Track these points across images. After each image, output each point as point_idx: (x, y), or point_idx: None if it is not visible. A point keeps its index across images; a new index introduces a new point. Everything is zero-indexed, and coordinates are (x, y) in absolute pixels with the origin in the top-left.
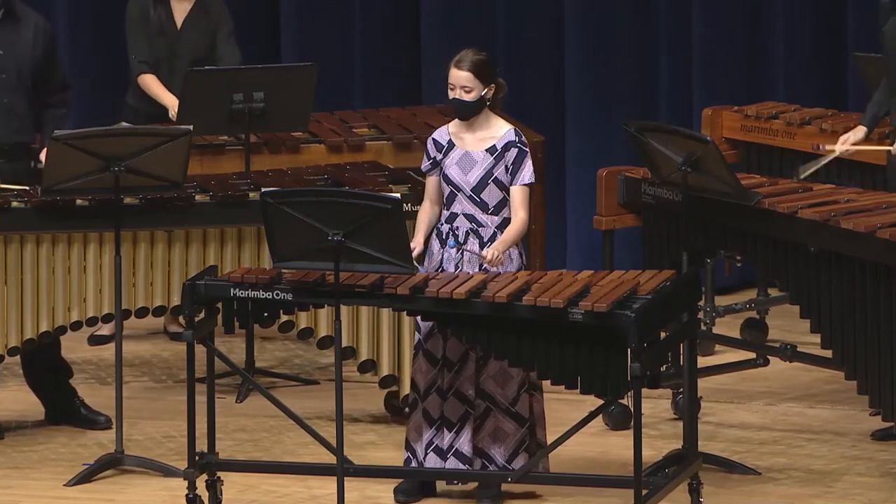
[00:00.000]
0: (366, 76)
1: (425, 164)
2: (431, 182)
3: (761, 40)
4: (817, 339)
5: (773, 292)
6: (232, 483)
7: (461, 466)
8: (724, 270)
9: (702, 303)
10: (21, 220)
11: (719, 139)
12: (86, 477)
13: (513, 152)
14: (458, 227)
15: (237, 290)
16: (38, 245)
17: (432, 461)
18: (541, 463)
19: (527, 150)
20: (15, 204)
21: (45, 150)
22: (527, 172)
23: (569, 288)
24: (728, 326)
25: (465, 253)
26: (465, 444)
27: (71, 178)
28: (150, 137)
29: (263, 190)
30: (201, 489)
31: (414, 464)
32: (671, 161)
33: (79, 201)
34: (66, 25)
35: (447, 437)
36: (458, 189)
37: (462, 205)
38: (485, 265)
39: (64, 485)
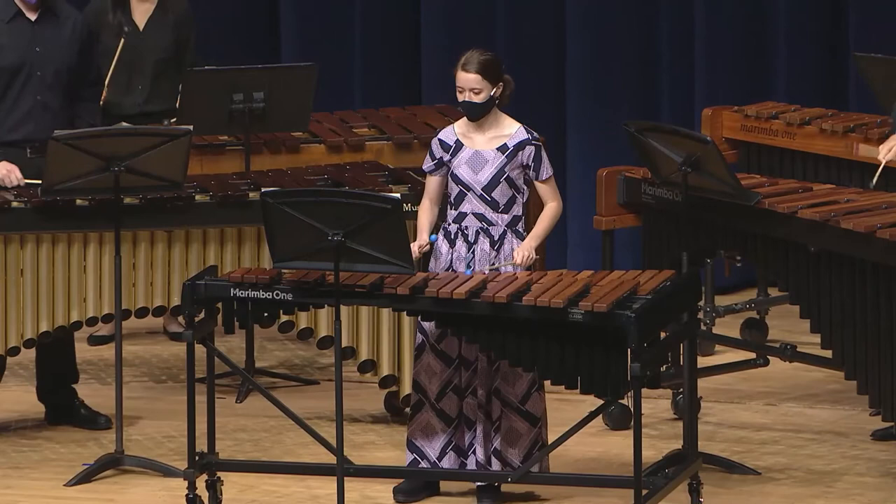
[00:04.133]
0: (366, 76)
1: (428, 165)
2: (433, 182)
3: (761, 40)
4: (817, 339)
5: (773, 292)
6: (232, 483)
7: (475, 466)
8: (724, 270)
9: (702, 303)
10: (21, 220)
11: (719, 139)
12: (86, 477)
13: (528, 150)
14: (467, 227)
15: (237, 290)
16: (38, 245)
17: (451, 461)
18: (541, 462)
19: (540, 143)
20: (15, 204)
21: None
22: (546, 166)
23: (569, 288)
24: (728, 326)
25: (475, 252)
26: (478, 444)
27: (71, 178)
28: (150, 137)
29: (263, 190)
30: (201, 489)
31: (424, 464)
32: (671, 161)
33: (79, 201)
34: None
35: (467, 435)
36: (468, 188)
37: (472, 204)
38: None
39: (64, 485)
